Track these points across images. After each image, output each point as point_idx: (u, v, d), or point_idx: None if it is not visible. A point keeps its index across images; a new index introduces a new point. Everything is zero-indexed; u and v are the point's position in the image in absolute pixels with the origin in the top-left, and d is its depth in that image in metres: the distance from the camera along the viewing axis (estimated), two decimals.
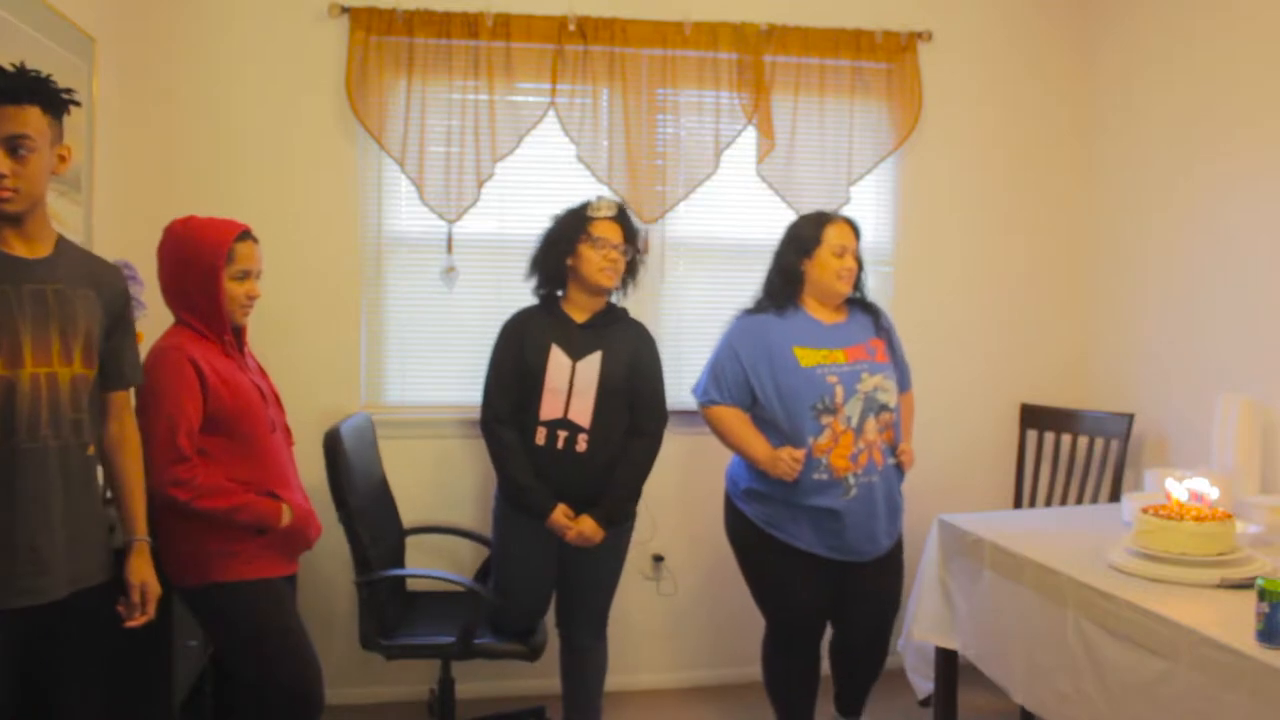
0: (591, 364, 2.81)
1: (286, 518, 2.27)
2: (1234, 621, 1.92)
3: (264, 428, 2.30)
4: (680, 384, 3.70)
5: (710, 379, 2.86)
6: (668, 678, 3.71)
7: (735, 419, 2.81)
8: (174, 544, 2.21)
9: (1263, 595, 1.81)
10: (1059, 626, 2.31)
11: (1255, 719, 1.77)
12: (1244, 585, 2.09)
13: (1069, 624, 2.27)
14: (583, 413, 2.79)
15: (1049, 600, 2.36)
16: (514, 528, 2.88)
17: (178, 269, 2.25)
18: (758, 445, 2.76)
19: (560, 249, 2.85)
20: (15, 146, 1.79)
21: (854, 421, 2.71)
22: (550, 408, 2.79)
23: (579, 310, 2.89)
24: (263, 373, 2.45)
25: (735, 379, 2.80)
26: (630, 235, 2.89)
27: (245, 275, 2.29)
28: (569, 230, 2.85)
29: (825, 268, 2.80)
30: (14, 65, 1.84)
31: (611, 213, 2.86)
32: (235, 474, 2.23)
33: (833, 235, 2.81)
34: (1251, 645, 1.81)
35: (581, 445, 2.79)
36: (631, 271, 2.95)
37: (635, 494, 2.90)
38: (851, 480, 2.71)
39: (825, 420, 2.70)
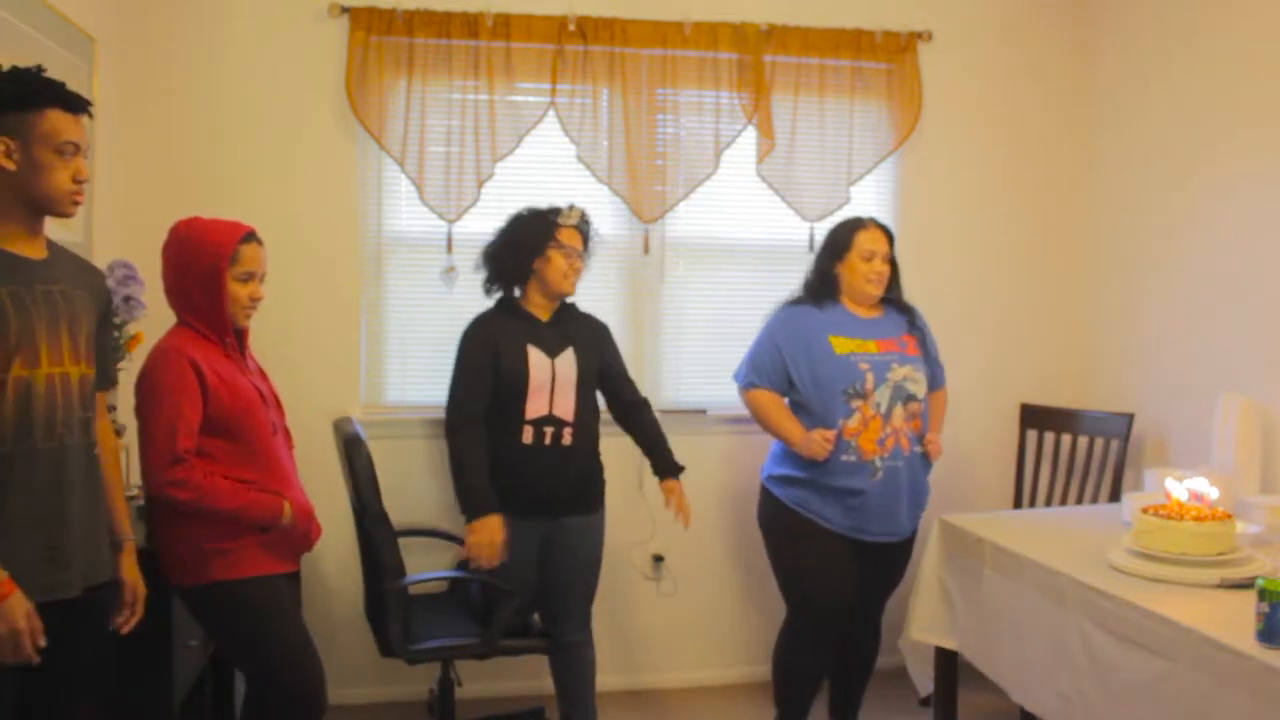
0: (568, 360, 2.90)
1: (288, 515, 2.27)
2: (1234, 621, 1.92)
3: (264, 430, 2.29)
4: (681, 384, 3.70)
5: (750, 365, 2.99)
6: (667, 677, 3.71)
7: (772, 402, 2.94)
8: (173, 544, 2.21)
9: (1263, 595, 1.82)
10: (1059, 627, 2.31)
11: (1255, 719, 1.77)
12: (1244, 585, 2.09)
13: (1069, 624, 2.27)
14: (566, 407, 2.87)
15: (1049, 600, 2.36)
16: None
17: (181, 270, 2.25)
18: (792, 427, 2.88)
19: (529, 251, 2.91)
20: (78, 152, 1.87)
21: (883, 408, 2.82)
22: (536, 406, 2.85)
23: (541, 310, 2.96)
24: (264, 375, 2.45)
25: (774, 365, 2.93)
26: (586, 244, 2.99)
27: (249, 277, 2.29)
28: (538, 233, 2.91)
29: (855, 271, 2.93)
30: (39, 68, 1.86)
31: (578, 220, 2.94)
32: (236, 477, 2.22)
33: (863, 240, 2.93)
34: (1251, 645, 1.81)
35: (567, 438, 2.87)
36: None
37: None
38: (878, 463, 2.81)
39: (855, 404, 2.81)
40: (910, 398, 2.86)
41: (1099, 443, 3.48)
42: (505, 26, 3.41)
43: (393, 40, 3.38)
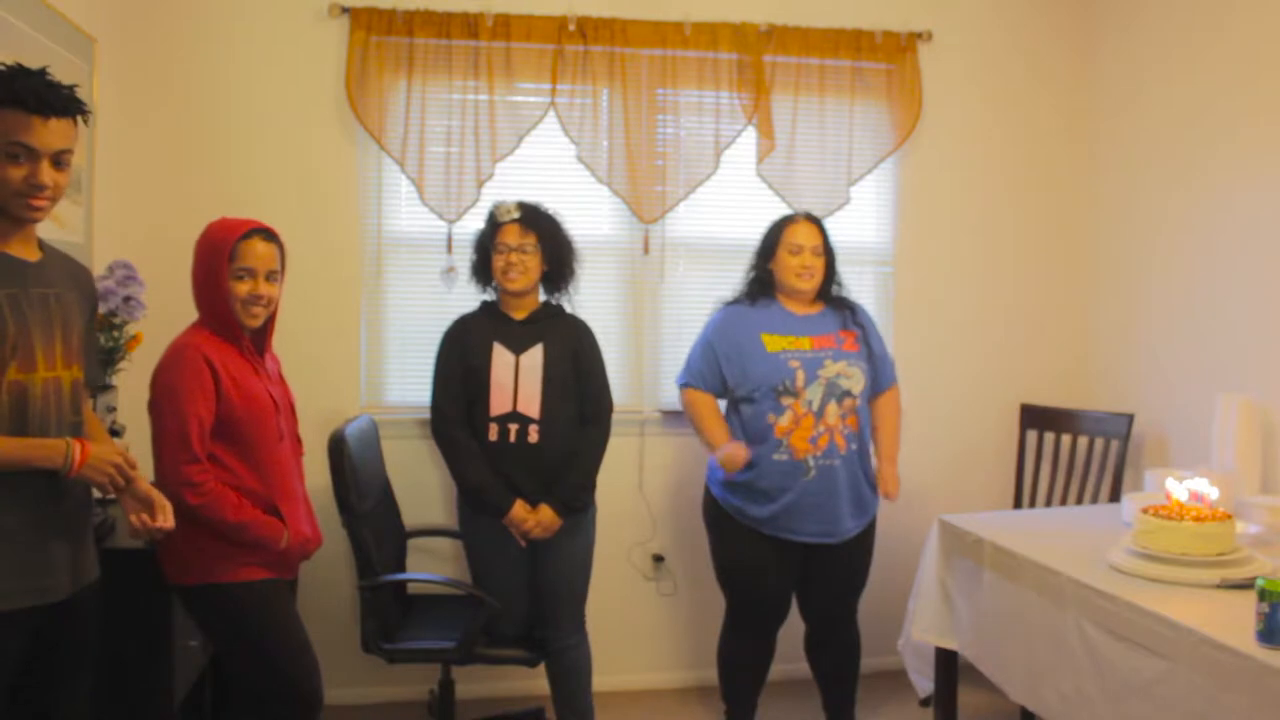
0: (534, 356, 2.89)
1: (284, 543, 2.26)
2: (1234, 621, 1.92)
3: (272, 436, 2.28)
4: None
5: (687, 365, 3.06)
6: (667, 678, 3.71)
7: (704, 403, 2.99)
8: (174, 543, 2.19)
9: (1263, 595, 1.81)
10: (1059, 627, 2.31)
11: (1255, 719, 1.77)
12: (1244, 585, 2.09)
13: (1069, 624, 2.27)
14: (530, 404, 2.86)
15: (1049, 600, 2.36)
16: (482, 533, 2.94)
17: (195, 269, 2.27)
18: (716, 431, 2.94)
19: (483, 254, 2.97)
20: (59, 160, 1.81)
21: (815, 405, 2.84)
22: (499, 403, 2.86)
23: (516, 310, 2.97)
24: (281, 380, 2.45)
25: (708, 366, 2.98)
26: (545, 234, 2.91)
27: (246, 274, 2.25)
28: (483, 238, 2.96)
29: (783, 266, 2.95)
30: (42, 70, 1.82)
31: (513, 216, 2.90)
32: (239, 482, 2.21)
33: (789, 235, 2.96)
34: (1251, 645, 1.82)
35: (533, 436, 2.86)
36: (557, 270, 2.97)
37: (589, 481, 2.96)
38: (811, 462, 2.83)
39: (786, 402, 2.84)
40: (845, 394, 2.87)
41: (1099, 443, 3.48)
42: (505, 27, 3.41)
43: (393, 40, 3.38)
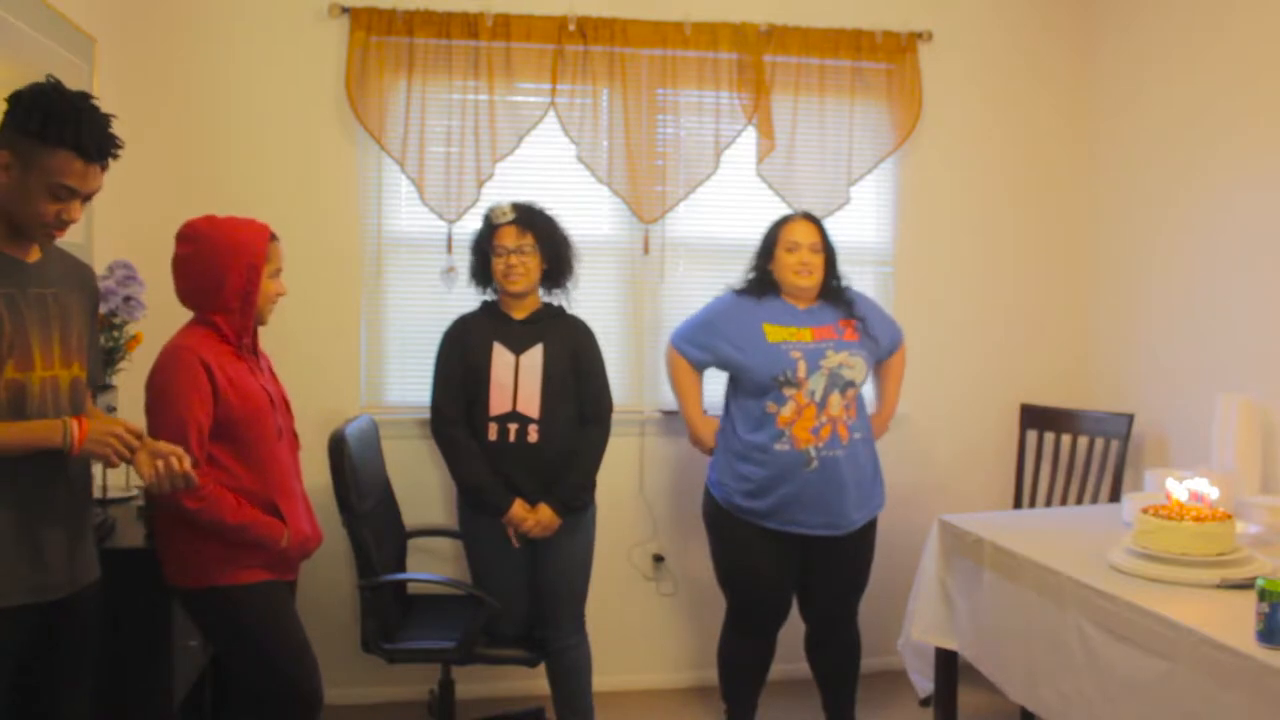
0: (534, 356, 2.90)
1: (285, 542, 2.26)
2: (1234, 621, 1.92)
3: (270, 434, 2.28)
4: None
5: (682, 328, 3.10)
6: (667, 678, 3.71)
7: (686, 374, 3.06)
8: (174, 545, 2.21)
9: (1263, 595, 1.82)
10: (1059, 627, 2.31)
11: (1255, 719, 1.77)
12: (1244, 585, 2.09)
13: (1069, 624, 2.27)
14: (530, 404, 2.87)
15: (1049, 600, 2.36)
16: (482, 533, 2.94)
17: (216, 269, 2.22)
18: (695, 411, 3.06)
19: (482, 256, 2.97)
20: (89, 197, 1.86)
21: (817, 395, 2.85)
22: (498, 402, 2.87)
23: (516, 310, 2.97)
24: (274, 376, 2.45)
25: (704, 342, 3.01)
26: (542, 233, 2.92)
27: (278, 273, 2.32)
28: (481, 239, 2.96)
29: (782, 266, 2.96)
30: (87, 96, 1.83)
31: (508, 218, 2.90)
32: (238, 483, 2.21)
33: (785, 233, 2.98)
34: (1251, 645, 1.82)
35: (533, 436, 2.86)
36: (557, 268, 2.98)
37: (589, 481, 2.97)
38: (813, 453, 2.83)
39: (788, 392, 2.85)
40: (847, 385, 2.88)
41: (1099, 443, 3.48)
42: (505, 26, 3.41)
43: (393, 40, 3.38)
